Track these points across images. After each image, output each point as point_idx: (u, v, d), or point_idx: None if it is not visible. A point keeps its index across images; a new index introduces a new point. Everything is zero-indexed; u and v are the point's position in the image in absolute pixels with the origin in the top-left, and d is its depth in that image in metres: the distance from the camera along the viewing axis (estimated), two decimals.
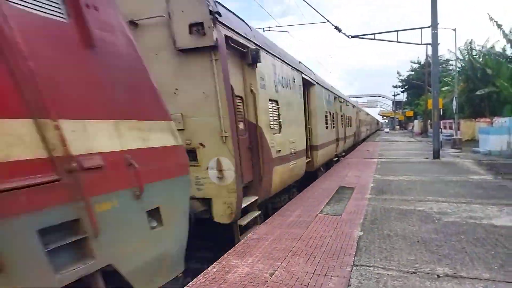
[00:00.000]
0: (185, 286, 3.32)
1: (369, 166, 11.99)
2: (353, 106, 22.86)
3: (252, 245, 4.42)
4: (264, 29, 18.57)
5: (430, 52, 16.25)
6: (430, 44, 14.05)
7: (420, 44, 15.07)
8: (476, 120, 24.54)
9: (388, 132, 61.36)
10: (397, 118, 73.00)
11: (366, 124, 34.98)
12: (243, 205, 4.98)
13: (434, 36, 13.50)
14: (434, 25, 13.42)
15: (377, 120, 76.04)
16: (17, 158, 1.82)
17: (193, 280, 3.44)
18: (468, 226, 4.91)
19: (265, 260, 3.92)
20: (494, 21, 22.10)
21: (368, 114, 42.69)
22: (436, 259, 3.78)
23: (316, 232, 4.86)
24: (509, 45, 23.39)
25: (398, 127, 74.97)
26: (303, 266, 3.72)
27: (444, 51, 60.67)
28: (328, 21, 13.82)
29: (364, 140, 31.26)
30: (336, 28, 14.49)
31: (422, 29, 14.40)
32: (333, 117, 12.94)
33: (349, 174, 10.24)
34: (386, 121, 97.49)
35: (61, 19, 2.19)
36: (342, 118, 15.57)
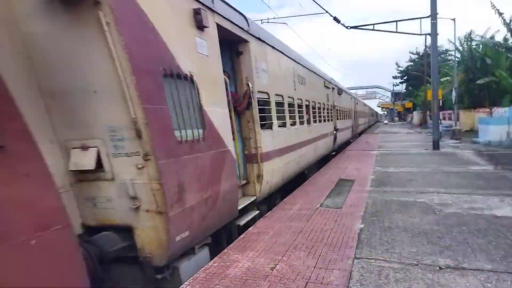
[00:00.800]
0: (185, 281, 3.30)
1: (369, 158, 11.97)
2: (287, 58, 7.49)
3: (252, 239, 4.39)
4: (262, 21, 18.38)
5: (429, 43, 16.07)
6: (429, 34, 13.91)
7: (419, 35, 14.91)
8: (476, 110, 24.48)
9: (387, 123, 61.44)
10: (396, 109, 72.92)
11: (354, 117, 21.49)
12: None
13: (434, 26, 13.36)
14: (434, 15, 13.28)
15: (375, 111, 75.21)
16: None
17: (194, 276, 3.41)
18: (469, 217, 4.89)
19: (265, 254, 3.90)
20: (496, 9, 21.90)
21: (349, 94, 22.02)
22: (437, 250, 3.76)
23: (317, 225, 4.84)
24: (509, 33, 23.22)
25: (397, 118, 74.95)
26: (304, 259, 3.70)
27: (443, 41, 60.28)
28: (326, 11, 13.66)
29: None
30: (335, 19, 14.35)
31: (421, 19, 14.25)
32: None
33: (349, 166, 10.21)
34: (385, 112, 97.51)
35: None
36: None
